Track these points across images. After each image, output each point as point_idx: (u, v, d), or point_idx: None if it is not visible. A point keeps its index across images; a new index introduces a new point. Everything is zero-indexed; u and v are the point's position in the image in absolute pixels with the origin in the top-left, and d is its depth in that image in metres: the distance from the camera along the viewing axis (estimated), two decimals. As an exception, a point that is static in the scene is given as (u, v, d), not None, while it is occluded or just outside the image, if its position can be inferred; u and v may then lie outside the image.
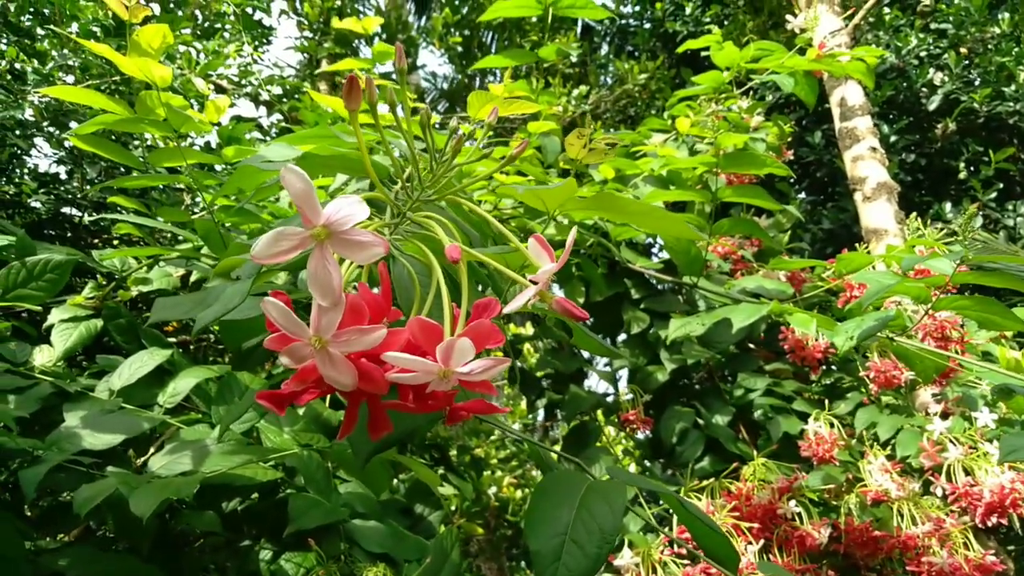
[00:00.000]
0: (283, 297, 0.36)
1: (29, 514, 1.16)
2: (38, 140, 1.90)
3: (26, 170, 1.91)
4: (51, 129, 1.88)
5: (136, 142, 1.90)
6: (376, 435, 0.41)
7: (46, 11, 1.95)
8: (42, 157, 1.91)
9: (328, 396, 1.22)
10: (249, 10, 2.97)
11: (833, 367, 1.74)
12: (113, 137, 1.74)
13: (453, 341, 0.35)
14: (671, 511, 1.26)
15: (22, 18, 1.92)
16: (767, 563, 1.03)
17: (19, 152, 1.85)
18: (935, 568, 1.18)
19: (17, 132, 1.79)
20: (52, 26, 1.93)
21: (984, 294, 0.96)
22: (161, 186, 1.79)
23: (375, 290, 0.40)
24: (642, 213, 0.58)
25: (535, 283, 0.40)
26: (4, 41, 1.90)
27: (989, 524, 1.17)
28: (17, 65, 1.85)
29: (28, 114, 1.84)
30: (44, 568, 0.93)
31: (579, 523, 0.46)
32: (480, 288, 0.65)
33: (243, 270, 0.48)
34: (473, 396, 0.43)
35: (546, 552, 0.44)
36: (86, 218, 1.79)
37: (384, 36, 4.12)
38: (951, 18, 3.35)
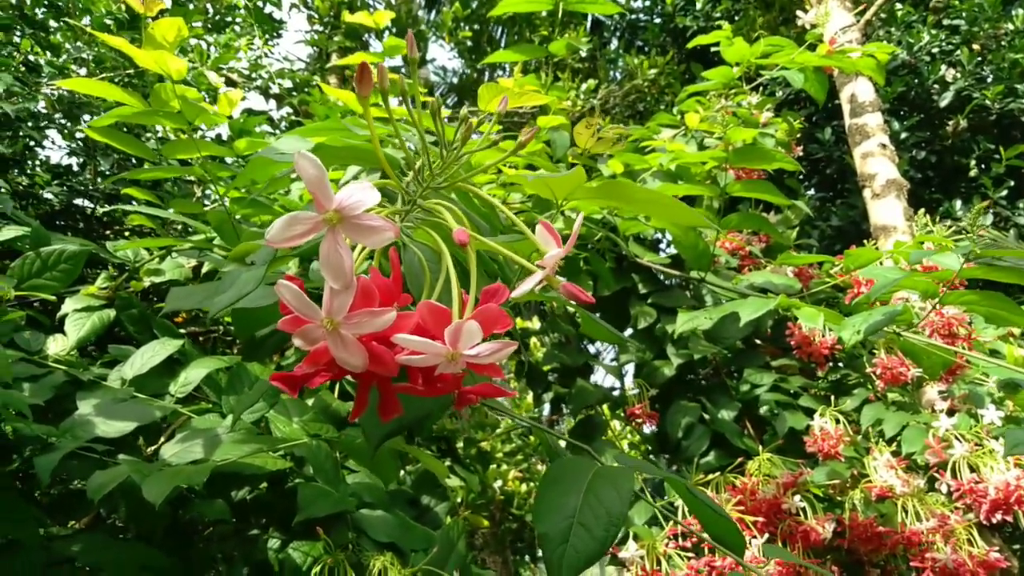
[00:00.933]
0: (297, 281, 0.37)
1: (40, 501, 1.18)
2: (51, 132, 1.92)
3: (38, 161, 1.93)
4: (63, 121, 1.90)
5: (148, 134, 1.92)
6: (387, 417, 0.42)
7: (60, 3, 1.97)
8: (55, 149, 1.94)
9: (336, 387, 1.24)
10: (260, 3, 2.99)
11: (840, 363, 1.74)
12: (125, 129, 1.75)
13: (461, 324, 0.36)
14: (676, 505, 1.26)
15: (37, 11, 1.94)
16: (772, 546, 1.03)
17: (32, 144, 1.86)
18: (939, 564, 1.19)
19: (30, 124, 1.81)
20: (67, 19, 1.95)
21: (994, 290, 0.96)
22: (172, 178, 1.80)
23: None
24: (650, 201, 0.59)
25: (543, 268, 0.40)
26: (18, 33, 1.92)
27: (994, 521, 1.17)
28: (31, 57, 1.87)
29: (41, 106, 1.86)
30: (57, 554, 0.94)
31: (587, 507, 0.46)
32: (490, 279, 0.66)
33: (258, 256, 0.49)
34: (481, 380, 0.44)
35: (554, 535, 0.45)
36: (99, 209, 1.81)
37: (394, 30, 4.13)
38: (964, 14, 3.33)
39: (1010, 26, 3.23)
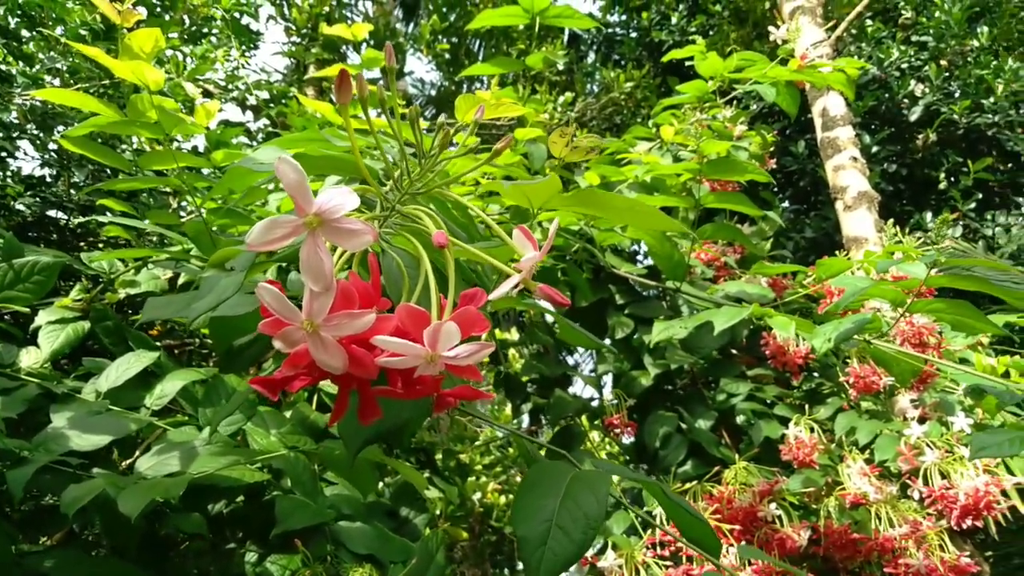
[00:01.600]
0: (277, 284, 0.37)
1: (10, 517, 1.15)
2: (22, 143, 1.90)
3: (9, 172, 1.91)
4: (36, 132, 1.88)
5: (123, 146, 1.90)
6: (366, 421, 0.42)
7: (33, 13, 1.95)
8: (27, 160, 1.91)
9: (314, 399, 1.23)
10: (237, 15, 2.98)
11: (814, 373, 1.76)
12: (100, 140, 1.74)
13: (439, 325, 0.37)
14: (654, 515, 1.27)
15: (9, 19, 1.92)
16: (747, 547, 1.05)
17: (4, 155, 1.84)
18: (912, 569, 1.20)
19: (1, 134, 1.79)
20: (41, 29, 1.93)
21: (962, 300, 0.98)
22: (148, 190, 1.79)
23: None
24: (625, 208, 0.60)
25: (519, 272, 0.41)
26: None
27: (964, 526, 1.19)
28: (3, 67, 1.85)
29: (13, 116, 1.84)
30: (29, 570, 0.93)
31: (564, 511, 0.47)
32: (468, 287, 0.67)
33: (237, 261, 0.49)
34: (459, 383, 0.44)
35: (532, 537, 0.46)
36: (73, 221, 1.79)
37: (372, 43, 4.14)
38: (931, 31, 3.41)
39: (975, 43, 3.31)
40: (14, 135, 1.84)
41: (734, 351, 1.84)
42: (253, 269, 0.54)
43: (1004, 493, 1.19)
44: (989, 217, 3.10)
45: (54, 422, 0.96)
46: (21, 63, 1.91)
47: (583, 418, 1.85)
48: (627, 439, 1.76)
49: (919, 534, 1.24)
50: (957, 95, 3.27)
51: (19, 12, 1.92)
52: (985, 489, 1.17)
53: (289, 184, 0.35)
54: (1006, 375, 1.24)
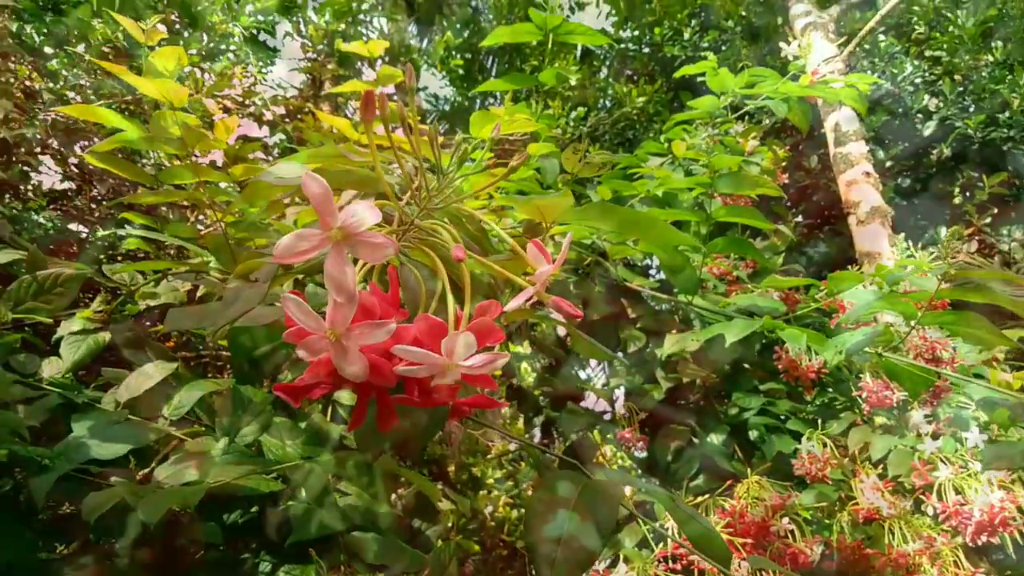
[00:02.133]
0: (300, 295, 0.39)
1: (31, 525, 1.17)
2: (44, 157, 1.94)
3: (31, 186, 1.95)
4: (58, 147, 1.92)
5: (143, 160, 1.93)
6: (385, 428, 0.43)
7: (57, 31, 2.00)
8: (49, 174, 1.94)
9: (329, 411, 1.24)
10: (254, 32, 3.02)
11: (827, 388, 1.76)
12: (120, 155, 1.77)
13: (457, 335, 0.38)
14: (666, 528, 1.27)
15: (36, 37, 1.97)
16: (759, 557, 1.05)
17: (27, 169, 1.88)
18: (926, 585, 1.20)
19: (23, 149, 1.83)
20: (66, 47, 1.97)
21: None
22: (167, 203, 1.82)
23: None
24: (636, 222, 0.61)
25: (533, 285, 0.42)
26: (12, 61, 1.94)
27: (979, 543, 1.19)
28: (27, 83, 1.89)
29: (36, 132, 1.88)
30: (49, 578, 0.94)
31: (576, 519, 0.48)
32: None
33: (261, 272, 0.51)
34: (474, 392, 0.45)
35: (544, 545, 0.46)
36: (94, 234, 1.82)
37: (386, 59, 4.18)
38: (945, 45, 3.41)
39: (990, 57, 3.31)
40: (36, 150, 1.88)
41: (747, 365, 1.84)
42: (272, 282, 0.56)
43: (1020, 509, 1.19)
44: (1005, 232, 3.08)
45: (75, 431, 0.98)
46: (45, 79, 1.96)
47: (595, 432, 1.85)
48: (639, 453, 1.76)
49: (933, 550, 1.24)
50: (971, 110, 3.26)
51: (45, 30, 1.96)
52: (1000, 505, 1.16)
53: (314, 198, 0.36)
54: (1022, 390, 1.24)
